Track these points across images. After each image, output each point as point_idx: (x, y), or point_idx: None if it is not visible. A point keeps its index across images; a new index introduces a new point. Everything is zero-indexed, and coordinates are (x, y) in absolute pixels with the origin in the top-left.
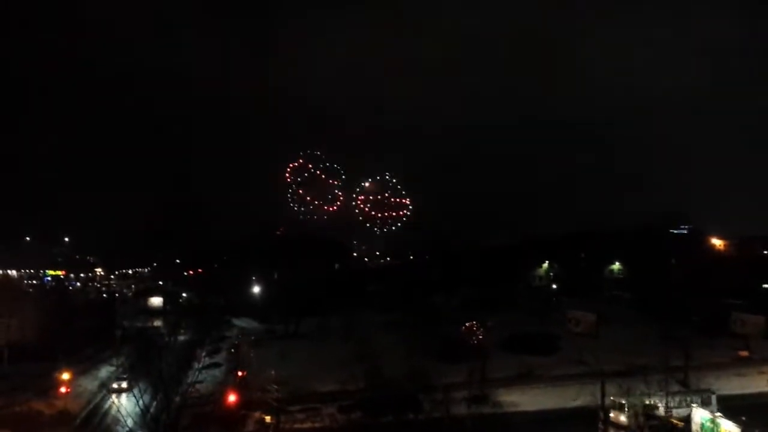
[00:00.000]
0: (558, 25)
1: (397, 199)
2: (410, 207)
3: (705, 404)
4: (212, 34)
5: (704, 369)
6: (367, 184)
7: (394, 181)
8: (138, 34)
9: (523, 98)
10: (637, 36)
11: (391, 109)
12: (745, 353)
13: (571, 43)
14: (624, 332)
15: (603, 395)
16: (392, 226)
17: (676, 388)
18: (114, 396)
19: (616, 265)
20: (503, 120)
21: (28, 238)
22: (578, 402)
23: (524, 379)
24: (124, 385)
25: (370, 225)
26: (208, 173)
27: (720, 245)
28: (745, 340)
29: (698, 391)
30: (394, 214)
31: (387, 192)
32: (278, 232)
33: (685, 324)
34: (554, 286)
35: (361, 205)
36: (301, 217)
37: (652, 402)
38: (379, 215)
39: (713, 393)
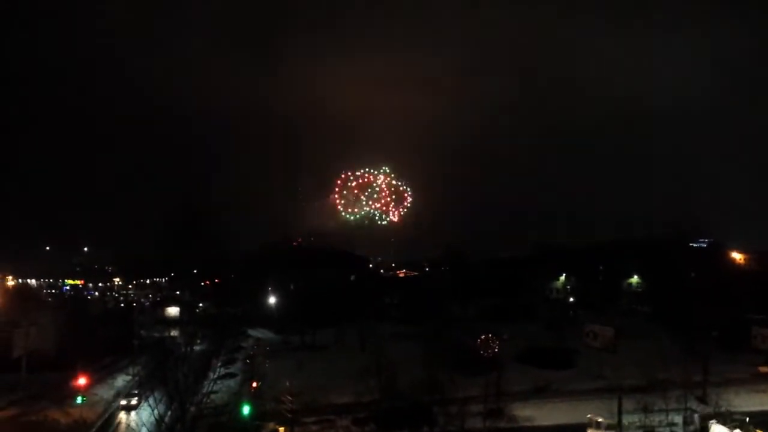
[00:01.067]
0: (567, 31)
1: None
2: (410, 200)
3: (687, 423)
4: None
5: (724, 385)
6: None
7: (393, 175)
8: (157, 43)
9: (539, 108)
10: (652, 44)
11: (400, 118)
12: (765, 369)
13: (581, 51)
14: (642, 347)
15: (620, 411)
16: (390, 214)
17: (695, 404)
18: (123, 412)
19: (635, 279)
20: (520, 130)
21: (48, 248)
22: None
23: (540, 393)
24: (134, 401)
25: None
26: (227, 183)
27: (740, 259)
28: (766, 356)
29: (680, 410)
30: (392, 204)
31: (383, 183)
32: (295, 243)
33: (705, 339)
34: (571, 299)
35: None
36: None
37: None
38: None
39: (696, 412)
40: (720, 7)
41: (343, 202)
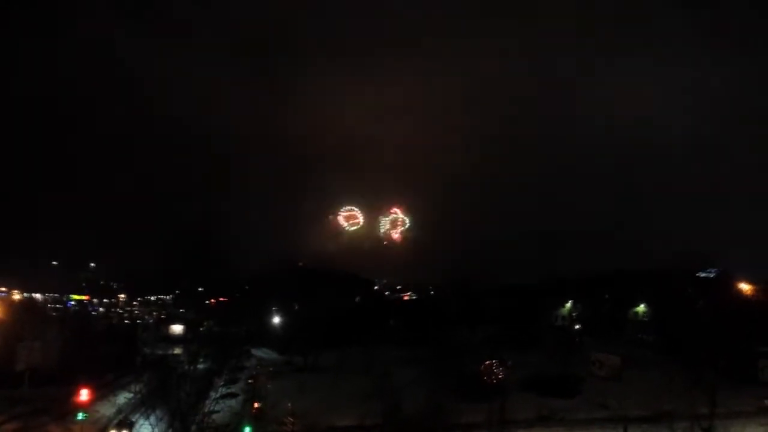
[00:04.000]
0: (571, 64)
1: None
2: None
3: None
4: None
5: (731, 417)
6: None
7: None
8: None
9: (541, 137)
10: (654, 75)
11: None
12: None
13: (585, 82)
14: (648, 376)
15: None
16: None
17: None
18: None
19: (641, 307)
20: (522, 159)
21: (54, 263)
22: None
23: (544, 421)
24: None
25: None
26: (233, 203)
27: (748, 289)
28: None
29: None
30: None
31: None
32: (300, 264)
33: (712, 370)
34: (577, 327)
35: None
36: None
37: None
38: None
39: None
40: (723, 43)
41: (345, 220)
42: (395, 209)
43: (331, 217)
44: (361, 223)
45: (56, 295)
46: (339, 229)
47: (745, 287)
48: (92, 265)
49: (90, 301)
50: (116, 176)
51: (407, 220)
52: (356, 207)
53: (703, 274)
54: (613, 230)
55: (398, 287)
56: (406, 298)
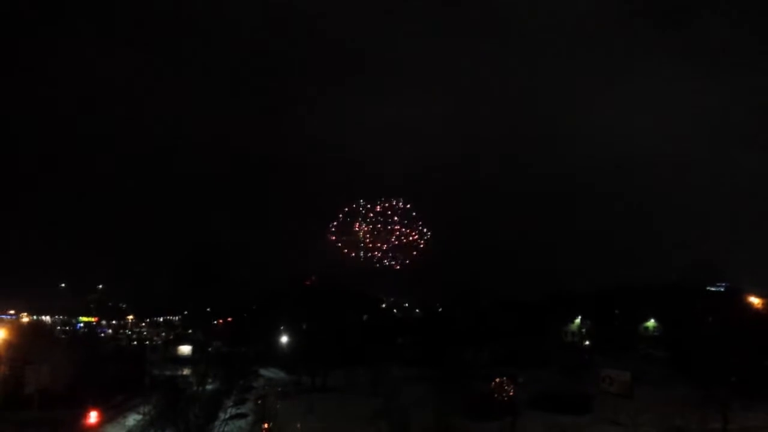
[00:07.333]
0: (573, 79)
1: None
2: (427, 236)
3: None
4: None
5: None
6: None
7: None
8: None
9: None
10: (655, 86)
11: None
12: None
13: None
14: (659, 392)
15: None
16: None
17: None
18: None
19: (651, 323)
20: (531, 175)
21: (63, 285)
22: None
23: None
24: None
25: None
26: (240, 221)
27: (758, 303)
28: None
29: None
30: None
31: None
32: (308, 283)
33: (723, 385)
34: (587, 343)
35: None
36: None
37: None
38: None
39: None
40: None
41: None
42: (401, 227)
43: (335, 236)
44: (369, 242)
45: (64, 317)
46: (345, 248)
47: (755, 301)
48: (100, 286)
49: (98, 323)
50: (122, 197)
51: (415, 239)
52: (362, 226)
53: (712, 289)
54: (620, 244)
55: (405, 305)
56: (414, 316)
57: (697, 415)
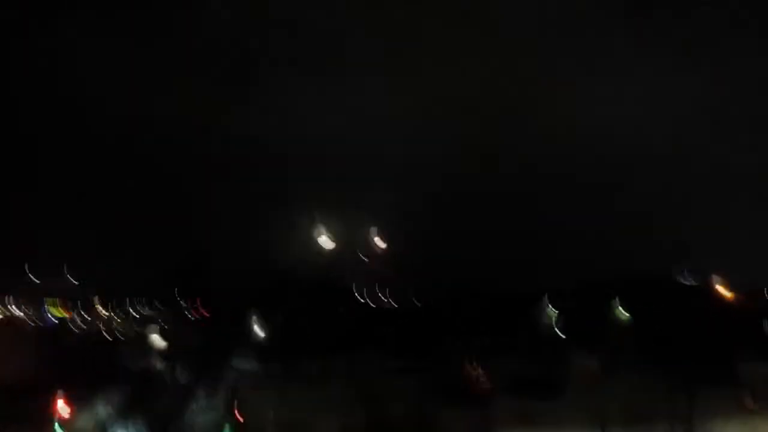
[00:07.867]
0: (556, 72)
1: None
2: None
3: None
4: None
5: (711, 418)
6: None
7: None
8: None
9: (521, 144)
10: (638, 81)
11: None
12: (752, 403)
13: (568, 89)
14: (629, 380)
15: None
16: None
17: None
18: None
19: (621, 312)
20: (502, 166)
21: (32, 276)
22: None
23: (527, 424)
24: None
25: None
26: (217, 214)
27: (729, 295)
28: (753, 390)
29: None
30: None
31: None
32: (282, 275)
33: (692, 373)
34: (559, 332)
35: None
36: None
37: None
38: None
39: None
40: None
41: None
42: (374, 226)
43: (308, 229)
44: (342, 235)
45: (34, 308)
46: (318, 241)
47: (725, 292)
48: (71, 278)
49: (70, 315)
50: (92, 187)
51: (388, 231)
52: (335, 218)
53: (683, 280)
54: (591, 235)
55: (383, 298)
56: (390, 307)
57: (666, 402)
